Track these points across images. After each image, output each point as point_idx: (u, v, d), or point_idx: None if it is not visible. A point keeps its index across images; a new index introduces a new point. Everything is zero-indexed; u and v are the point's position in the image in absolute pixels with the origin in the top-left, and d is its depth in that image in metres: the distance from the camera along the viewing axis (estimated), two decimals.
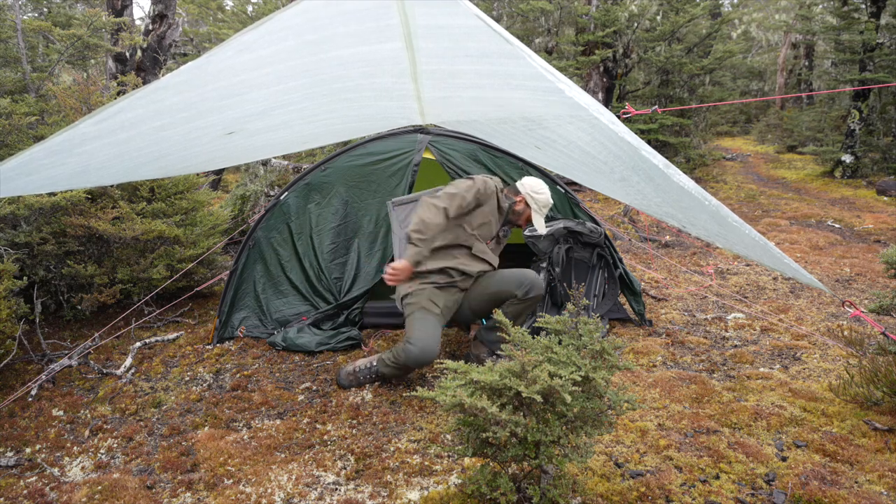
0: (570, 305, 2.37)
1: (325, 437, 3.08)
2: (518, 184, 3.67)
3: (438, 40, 2.71)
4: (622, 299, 4.78)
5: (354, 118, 3.66)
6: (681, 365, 3.91)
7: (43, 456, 2.96)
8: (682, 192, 2.71)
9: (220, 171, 8.94)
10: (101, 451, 3.01)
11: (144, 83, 6.82)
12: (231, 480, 2.71)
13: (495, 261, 3.73)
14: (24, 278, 3.91)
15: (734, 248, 3.22)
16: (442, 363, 2.27)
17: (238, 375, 3.81)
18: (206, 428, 3.18)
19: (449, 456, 2.86)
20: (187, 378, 3.80)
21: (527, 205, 3.65)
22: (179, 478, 2.74)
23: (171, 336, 4.40)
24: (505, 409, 2.10)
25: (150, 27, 7.70)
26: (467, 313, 3.70)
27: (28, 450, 3.01)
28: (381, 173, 4.47)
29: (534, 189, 3.61)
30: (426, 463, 2.81)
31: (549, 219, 4.55)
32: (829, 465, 2.71)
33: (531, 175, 3.68)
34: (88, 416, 3.36)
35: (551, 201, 3.67)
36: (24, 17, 7.51)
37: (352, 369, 3.57)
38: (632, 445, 2.93)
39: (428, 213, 3.33)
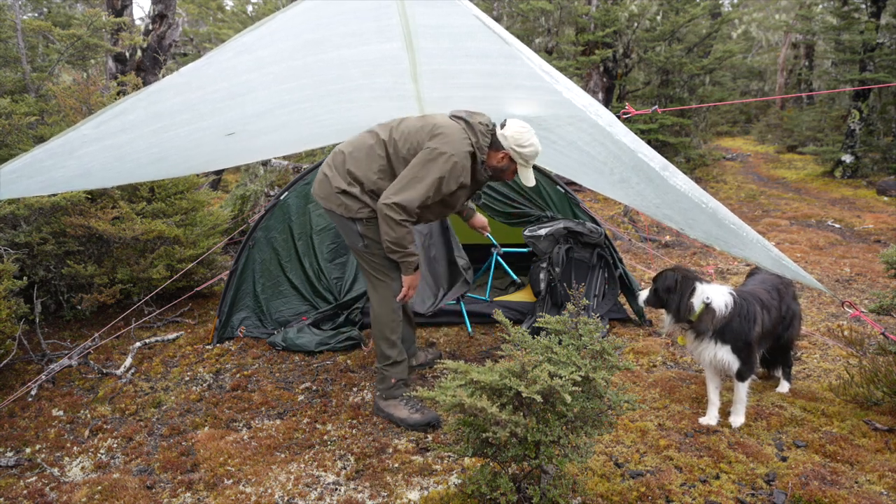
0: (570, 305, 2.37)
1: (325, 437, 3.08)
2: (500, 135, 3.06)
3: (439, 40, 2.71)
4: (622, 299, 4.78)
5: (354, 118, 3.66)
6: (681, 365, 3.91)
7: (43, 456, 2.96)
8: (679, 194, 2.71)
9: (220, 171, 8.93)
10: (101, 451, 3.01)
11: (144, 83, 6.82)
12: (231, 480, 2.71)
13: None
14: (24, 278, 3.91)
15: (732, 250, 3.22)
16: (442, 363, 2.26)
17: (238, 375, 3.81)
18: (206, 428, 3.19)
19: (449, 456, 2.86)
20: (187, 378, 3.80)
21: (511, 160, 3.11)
22: (179, 478, 2.74)
23: (171, 336, 4.40)
24: (505, 409, 2.10)
25: (150, 27, 7.71)
26: None
27: (28, 450, 3.01)
28: None
29: (518, 143, 3.03)
30: (426, 463, 2.81)
31: (549, 219, 4.55)
32: (830, 465, 2.71)
33: (515, 123, 3.09)
34: (88, 416, 3.36)
35: (539, 149, 3.11)
36: (24, 17, 7.51)
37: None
38: (632, 445, 2.93)
39: (392, 232, 2.95)
